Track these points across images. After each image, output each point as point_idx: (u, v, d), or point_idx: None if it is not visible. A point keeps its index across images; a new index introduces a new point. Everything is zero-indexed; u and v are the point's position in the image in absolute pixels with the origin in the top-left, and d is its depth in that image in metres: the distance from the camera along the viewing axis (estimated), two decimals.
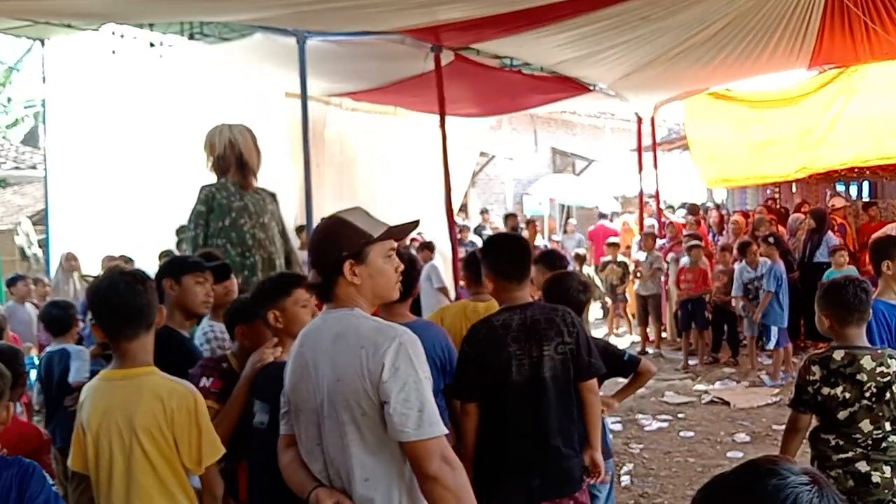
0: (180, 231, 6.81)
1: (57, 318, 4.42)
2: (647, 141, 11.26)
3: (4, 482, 1.95)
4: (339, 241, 1.97)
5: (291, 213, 9.65)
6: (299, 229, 8.82)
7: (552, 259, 4.15)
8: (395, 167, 11.09)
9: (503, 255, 2.84)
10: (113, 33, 7.44)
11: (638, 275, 9.60)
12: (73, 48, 7.80)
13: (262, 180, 9.78)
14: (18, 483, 1.95)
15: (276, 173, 9.63)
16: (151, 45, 7.63)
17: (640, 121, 11.07)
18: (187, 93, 8.62)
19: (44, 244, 11.04)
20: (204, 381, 2.67)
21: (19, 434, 2.71)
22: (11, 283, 7.48)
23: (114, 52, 7.58)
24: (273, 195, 4.85)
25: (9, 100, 22.27)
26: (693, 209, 11.94)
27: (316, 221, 7.33)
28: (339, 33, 6.88)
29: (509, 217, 11.81)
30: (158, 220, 7.70)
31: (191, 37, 7.47)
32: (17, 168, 10.76)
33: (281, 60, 7.50)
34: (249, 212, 4.55)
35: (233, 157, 4.58)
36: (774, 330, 7.84)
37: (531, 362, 2.68)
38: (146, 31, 7.47)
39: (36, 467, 2.03)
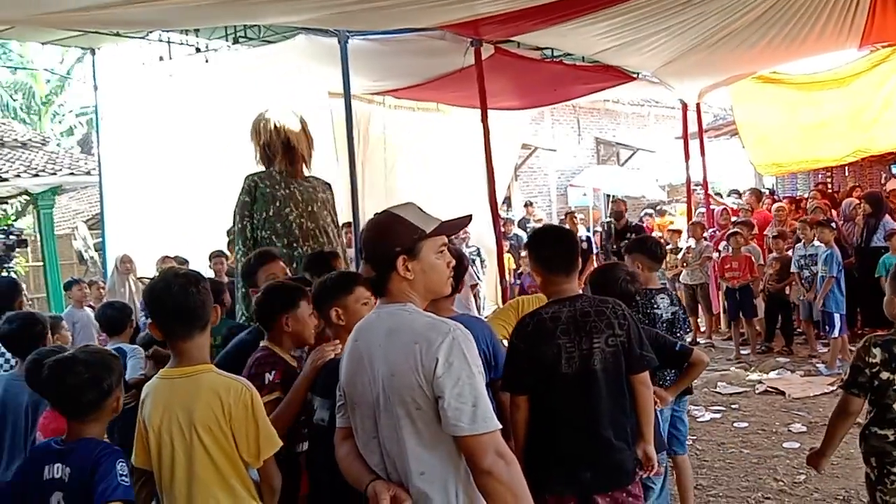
0: (230, 232, 6.83)
1: (112, 319, 4.54)
2: (692, 128, 11.08)
3: (89, 458, 2.15)
4: (393, 236, 1.98)
5: (338, 212, 9.77)
6: (345, 227, 8.92)
7: (652, 248, 4.16)
8: (439, 163, 11.12)
9: (549, 248, 2.83)
10: (160, 40, 7.63)
11: (685, 264, 9.44)
12: (123, 56, 8.01)
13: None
14: (97, 461, 2.14)
15: (322, 172, 9.78)
16: (197, 49, 7.81)
17: (685, 108, 10.88)
18: (233, 95, 8.76)
19: (100, 248, 11.37)
20: (268, 376, 2.74)
21: (56, 432, 2.70)
22: (68, 287, 7.72)
23: (161, 59, 7.78)
24: (328, 184, 4.60)
25: (61, 108, 22.92)
26: (756, 194, 11.74)
27: (362, 219, 7.40)
28: (380, 32, 6.92)
29: (568, 215, 11.78)
30: (210, 221, 7.85)
31: (235, 41, 7.62)
32: (72, 174, 11.06)
33: (323, 61, 7.58)
34: (296, 200, 4.29)
35: (279, 143, 4.33)
36: (836, 317, 7.64)
37: (581, 355, 2.67)
38: (192, 36, 7.64)
39: (114, 452, 2.20)
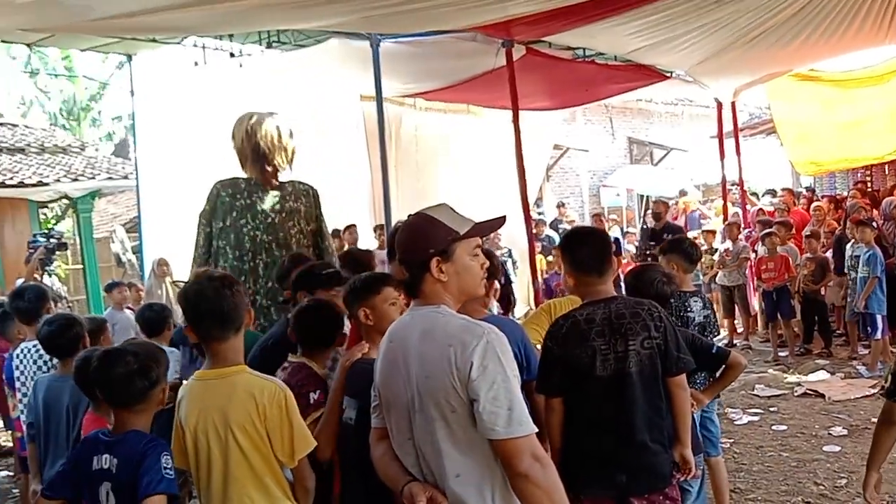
0: None
1: (150, 320, 4.61)
2: (728, 127, 10.93)
3: (135, 450, 2.23)
4: (427, 238, 1.98)
5: (369, 214, 9.84)
6: (377, 229, 8.96)
7: (688, 249, 4.12)
8: (470, 164, 11.12)
9: (581, 249, 2.81)
10: (195, 45, 7.73)
11: (722, 265, 9.30)
12: (159, 62, 8.12)
13: (338, 182, 10.00)
14: (143, 453, 2.21)
15: (354, 175, 9.84)
16: (231, 55, 7.89)
17: (720, 106, 10.75)
18: (266, 99, 8.84)
19: (137, 250, 11.57)
20: (313, 396, 2.76)
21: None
22: (109, 289, 7.86)
23: (196, 64, 7.87)
24: (308, 191, 4.39)
25: (100, 114, 23.37)
26: (792, 193, 11.57)
27: (394, 221, 7.43)
28: (412, 34, 6.94)
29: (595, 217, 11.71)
30: None
31: (268, 45, 7.69)
32: (110, 178, 11.27)
33: (355, 64, 7.62)
34: (255, 211, 4.12)
35: (248, 149, 4.17)
36: (878, 318, 7.47)
37: (616, 357, 2.64)
38: (226, 41, 7.73)
39: (160, 445, 2.27)
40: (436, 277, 1.96)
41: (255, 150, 4.15)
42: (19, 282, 7.68)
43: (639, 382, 2.65)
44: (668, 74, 9.25)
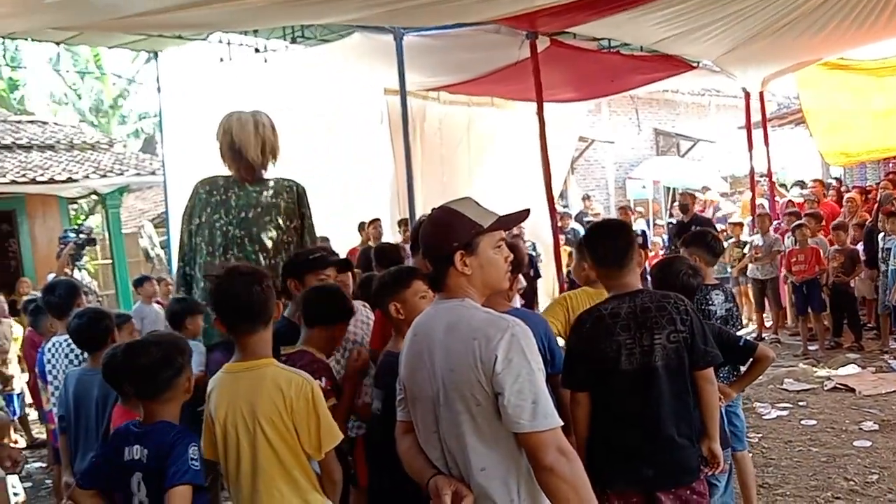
0: None
1: (179, 313, 4.66)
2: (756, 117, 10.78)
3: (165, 441, 2.27)
4: (451, 231, 1.97)
5: (393, 208, 9.86)
6: (401, 223, 8.98)
7: (711, 242, 4.09)
8: (494, 157, 11.09)
9: (602, 243, 2.80)
10: (220, 41, 7.79)
11: (754, 259, 9.17)
12: (185, 58, 8.20)
13: (362, 176, 10.02)
14: (172, 444, 2.26)
15: (378, 169, 9.86)
16: (256, 50, 7.94)
17: (747, 96, 10.60)
18: (291, 94, 8.90)
19: (165, 245, 11.70)
20: (320, 384, 2.77)
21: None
22: (138, 283, 7.96)
23: (222, 60, 7.93)
24: (292, 187, 4.30)
25: (129, 111, 23.66)
26: (822, 184, 11.41)
27: (418, 215, 7.44)
28: (435, 27, 6.93)
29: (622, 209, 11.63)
30: None
31: (293, 40, 7.73)
32: (138, 174, 11.41)
33: (379, 58, 7.63)
34: (228, 207, 4.07)
35: (226, 146, 4.15)
36: None
37: (642, 351, 2.62)
38: (251, 37, 7.78)
39: (188, 436, 2.31)
40: (460, 271, 1.96)
41: (231, 147, 4.12)
42: (51, 277, 7.81)
43: (665, 376, 2.62)
44: (695, 64, 9.15)
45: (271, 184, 4.19)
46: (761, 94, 10.56)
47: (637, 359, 2.62)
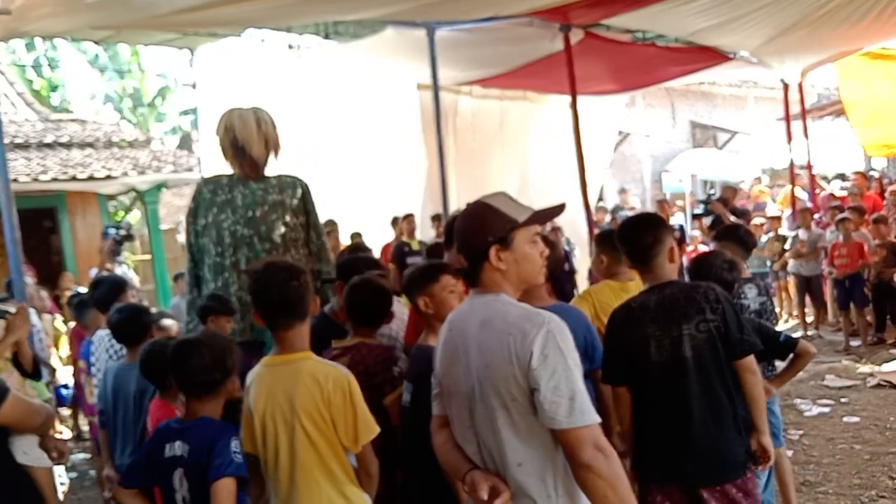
0: None
1: (208, 310, 4.70)
2: (795, 108, 10.58)
3: (206, 436, 2.31)
4: (485, 226, 1.96)
5: (426, 203, 9.88)
6: (434, 218, 8.98)
7: (743, 236, 4.04)
8: (528, 151, 11.04)
9: (633, 237, 2.79)
10: (254, 38, 7.86)
11: (797, 254, 8.98)
12: (220, 55, 8.28)
13: (395, 171, 10.03)
14: (214, 438, 2.29)
15: (410, 164, 9.87)
16: (290, 46, 8.00)
17: (786, 88, 10.41)
18: (324, 91, 8.95)
19: None
20: (396, 369, 2.85)
21: (164, 419, 2.87)
22: (176, 279, 8.10)
23: (256, 57, 8.01)
24: (295, 183, 4.25)
25: (166, 108, 24.01)
26: (864, 177, 11.15)
27: (451, 210, 7.43)
28: (468, 21, 6.91)
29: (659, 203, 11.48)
30: None
31: (326, 36, 7.76)
32: (175, 171, 11.55)
33: (411, 53, 7.64)
34: (235, 206, 4.03)
35: (228, 144, 4.08)
36: None
37: (671, 342, 2.60)
38: (285, 33, 7.84)
39: (229, 430, 2.34)
40: (495, 266, 1.95)
41: (233, 144, 4.06)
42: (93, 272, 7.98)
43: (696, 367, 2.60)
44: (732, 56, 8.99)
45: (274, 181, 4.15)
46: (800, 85, 10.36)
47: (667, 350, 2.61)
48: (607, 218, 11.36)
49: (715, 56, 8.86)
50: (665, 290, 2.66)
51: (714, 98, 17.32)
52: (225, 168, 4.24)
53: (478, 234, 1.96)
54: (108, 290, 4.21)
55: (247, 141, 4.02)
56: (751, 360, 2.70)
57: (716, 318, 2.60)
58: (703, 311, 2.60)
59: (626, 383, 2.70)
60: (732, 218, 8.57)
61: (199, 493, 2.30)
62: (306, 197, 4.21)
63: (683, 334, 2.59)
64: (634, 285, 3.54)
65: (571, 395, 1.78)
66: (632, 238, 2.77)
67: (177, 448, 2.35)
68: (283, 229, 4.08)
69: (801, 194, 10.71)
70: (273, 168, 4.24)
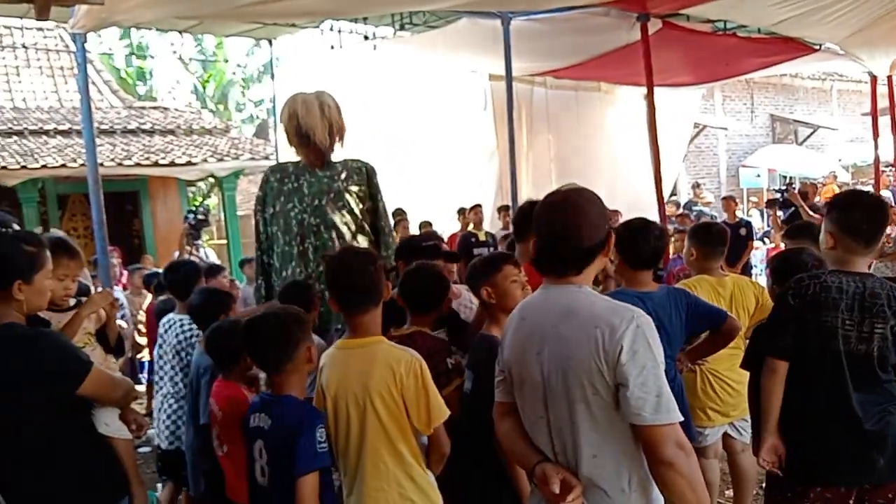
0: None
1: (290, 298, 4.77)
2: (882, 103, 10.14)
3: (291, 416, 2.34)
4: (604, 218, 1.94)
5: (495, 194, 9.88)
6: (501, 209, 8.97)
7: (818, 235, 3.92)
8: (602, 143, 10.91)
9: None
10: (331, 29, 7.99)
11: (881, 255, 8.60)
12: (297, 46, 8.46)
13: (465, 162, 10.04)
14: (300, 424, 2.31)
15: (480, 155, 9.89)
16: (366, 37, 8.10)
17: (874, 81, 9.98)
18: (398, 81, 9.04)
19: None
20: (450, 361, 2.88)
21: (228, 398, 2.95)
22: (241, 265, 8.32)
23: (332, 47, 8.14)
24: (361, 168, 4.19)
25: (245, 97, 24.65)
26: None
27: (520, 202, 7.41)
28: (543, 11, 6.86)
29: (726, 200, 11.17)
30: None
31: (401, 27, 7.83)
32: (252, 159, 11.85)
33: (485, 43, 7.63)
34: (301, 195, 4.01)
35: (293, 132, 4.06)
36: None
37: (859, 336, 2.47)
38: (361, 24, 7.94)
39: (316, 416, 2.37)
40: (605, 257, 1.94)
41: (297, 131, 4.04)
42: (176, 255, 8.28)
43: (878, 366, 2.49)
44: (817, 47, 8.68)
45: (339, 167, 4.13)
46: (889, 78, 9.90)
47: (853, 343, 2.48)
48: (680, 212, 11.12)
49: (799, 48, 8.57)
50: (866, 281, 2.51)
51: (796, 91, 16.76)
52: (293, 156, 4.30)
53: (602, 222, 1.93)
54: (184, 276, 4.14)
55: (311, 127, 4.00)
56: None
57: None
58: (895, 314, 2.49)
59: (788, 358, 2.57)
60: (811, 213, 8.28)
61: (276, 465, 2.37)
62: (372, 182, 4.18)
63: (875, 333, 2.46)
64: (730, 281, 3.62)
65: (658, 392, 1.77)
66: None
67: (260, 419, 2.43)
68: (348, 217, 4.08)
69: (886, 193, 10.27)
70: (341, 154, 4.27)
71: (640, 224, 3.13)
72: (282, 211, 4.02)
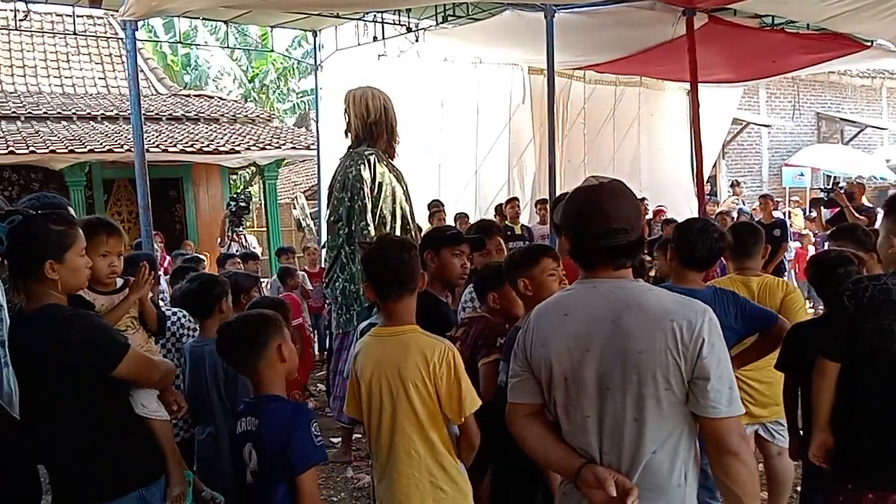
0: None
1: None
2: None
3: (279, 417, 2.29)
4: (640, 210, 1.95)
5: (531, 188, 9.85)
6: (538, 203, 8.93)
7: (861, 237, 3.86)
8: (641, 138, 10.81)
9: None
10: (374, 20, 8.03)
11: None
12: (341, 37, 8.51)
13: (499, 155, 10.04)
14: (291, 424, 2.27)
15: (516, 149, 9.86)
16: (408, 29, 8.12)
17: None
18: (441, 73, 9.05)
19: (316, 216, 12.27)
20: (500, 340, 2.92)
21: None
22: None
23: (375, 38, 8.18)
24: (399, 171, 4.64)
25: (287, 88, 24.89)
26: None
27: (558, 194, 7.38)
28: (588, 4, 6.82)
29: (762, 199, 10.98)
30: (416, 196, 8.21)
31: (444, 19, 7.83)
32: (293, 148, 11.98)
33: (526, 36, 7.61)
34: (401, 180, 4.37)
35: (385, 124, 4.32)
36: None
37: None
38: (404, 16, 7.97)
39: (305, 414, 2.34)
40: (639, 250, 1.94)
41: (389, 126, 4.38)
42: (218, 241, 8.44)
43: None
44: (868, 44, 8.48)
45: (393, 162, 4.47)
46: None
47: None
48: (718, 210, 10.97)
49: (850, 44, 8.38)
50: None
51: (843, 89, 16.37)
52: (340, 147, 4.45)
53: (637, 215, 1.91)
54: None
55: (396, 125, 4.36)
56: None
57: None
58: None
59: (842, 360, 2.55)
60: (857, 215, 8.11)
61: (267, 466, 2.30)
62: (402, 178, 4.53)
63: None
64: (757, 282, 3.58)
65: (731, 384, 1.78)
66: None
67: (247, 423, 2.36)
68: (408, 205, 4.40)
69: None
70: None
71: (701, 224, 3.18)
72: (392, 196, 4.34)
